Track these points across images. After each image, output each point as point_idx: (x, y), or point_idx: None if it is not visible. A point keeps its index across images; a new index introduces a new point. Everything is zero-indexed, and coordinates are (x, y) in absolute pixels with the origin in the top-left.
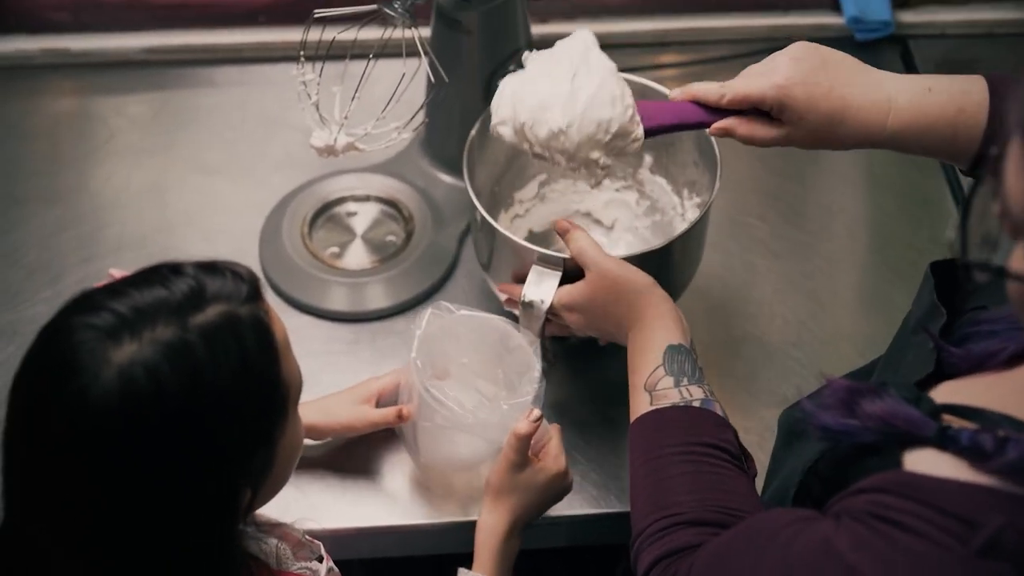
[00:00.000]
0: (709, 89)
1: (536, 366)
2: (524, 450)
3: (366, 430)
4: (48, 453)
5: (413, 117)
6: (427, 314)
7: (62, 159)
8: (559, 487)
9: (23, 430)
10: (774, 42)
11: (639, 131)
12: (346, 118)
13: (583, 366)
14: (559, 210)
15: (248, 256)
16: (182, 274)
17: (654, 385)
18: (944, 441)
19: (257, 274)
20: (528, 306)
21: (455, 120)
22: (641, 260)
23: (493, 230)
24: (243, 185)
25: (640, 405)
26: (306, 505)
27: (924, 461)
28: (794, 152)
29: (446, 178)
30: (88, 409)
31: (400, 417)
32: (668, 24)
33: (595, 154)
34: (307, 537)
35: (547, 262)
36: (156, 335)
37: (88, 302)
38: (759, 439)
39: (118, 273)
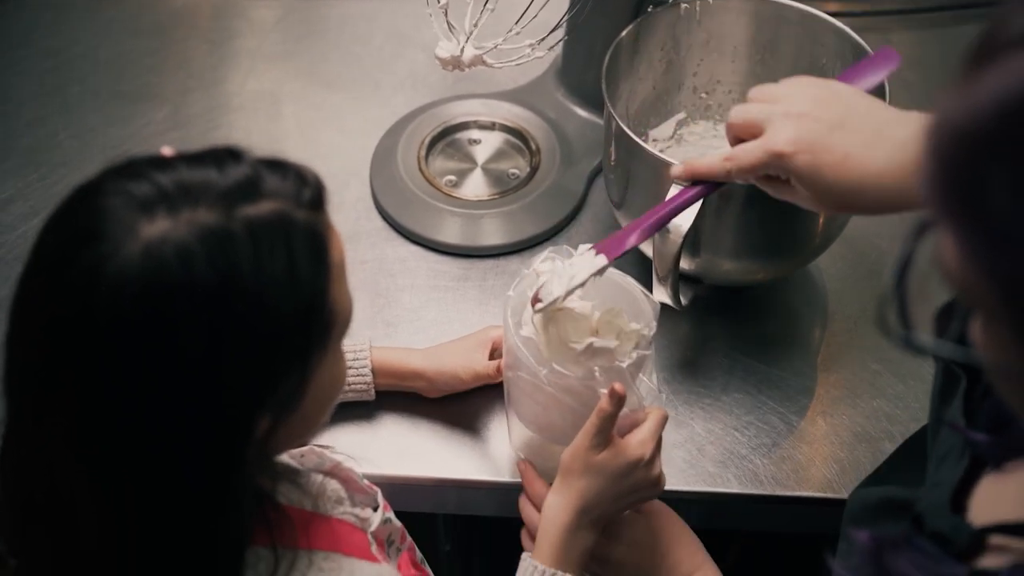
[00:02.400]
0: (713, 168)
1: (647, 328)
2: (606, 428)
3: (471, 383)
4: (52, 330)
5: (550, 32)
6: (544, 255)
7: (175, 58)
8: (639, 479)
9: (30, 300)
10: None
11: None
12: (475, 25)
13: (716, 318)
14: (696, 153)
15: (359, 177)
16: (241, 161)
17: None
18: None
19: (324, 183)
20: (664, 232)
21: (596, 48)
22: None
23: (630, 152)
24: (362, 102)
25: None
26: (393, 452)
27: None
28: None
29: (580, 112)
30: (102, 282)
31: (500, 371)
32: None
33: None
34: (365, 482)
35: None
36: (196, 216)
37: (129, 168)
38: (904, 431)
39: (169, 152)
